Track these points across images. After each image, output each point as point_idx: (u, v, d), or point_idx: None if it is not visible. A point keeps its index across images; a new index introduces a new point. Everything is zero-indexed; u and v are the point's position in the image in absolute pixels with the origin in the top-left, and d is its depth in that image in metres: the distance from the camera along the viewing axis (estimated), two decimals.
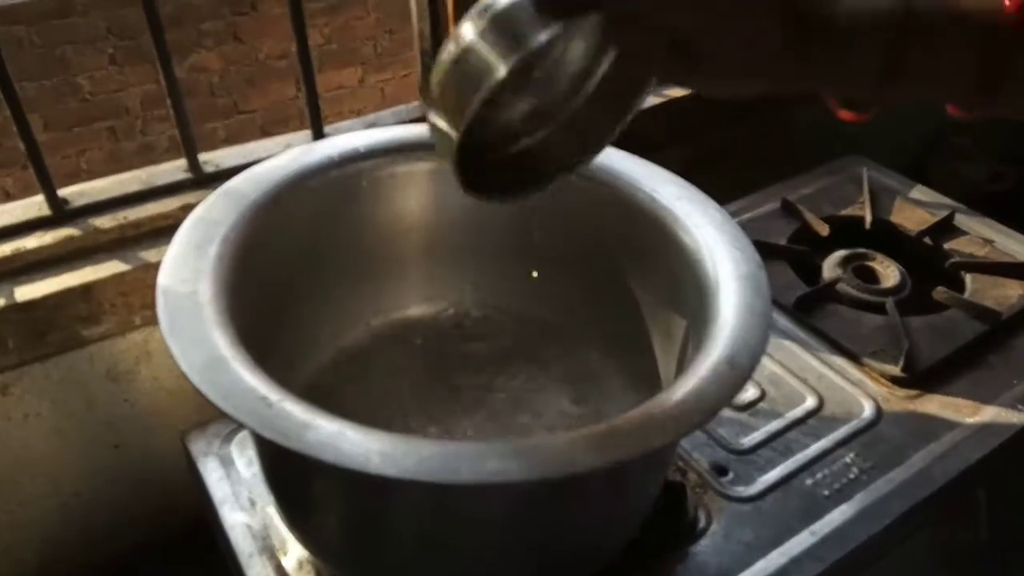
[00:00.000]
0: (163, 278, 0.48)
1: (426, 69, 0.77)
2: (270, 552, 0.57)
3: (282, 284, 0.58)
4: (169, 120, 0.66)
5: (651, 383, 0.60)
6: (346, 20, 2.44)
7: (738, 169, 0.92)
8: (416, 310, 0.66)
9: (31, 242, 0.63)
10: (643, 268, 0.60)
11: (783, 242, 0.81)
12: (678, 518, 0.59)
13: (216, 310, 0.47)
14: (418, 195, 0.63)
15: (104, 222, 0.66)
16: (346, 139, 0.62)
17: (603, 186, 0.60)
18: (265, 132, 2.47)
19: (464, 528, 0.49)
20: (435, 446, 0.40)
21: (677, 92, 0.88)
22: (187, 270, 0.49)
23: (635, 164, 0.61)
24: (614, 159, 0.61)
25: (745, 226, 0.83)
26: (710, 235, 0.55)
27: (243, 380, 0.42)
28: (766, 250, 0.77)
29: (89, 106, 2.18)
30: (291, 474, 0.51)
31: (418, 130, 0.64)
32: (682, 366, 0.53)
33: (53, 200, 0.65)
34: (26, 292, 0.61)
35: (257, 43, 2.30)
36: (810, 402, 0.67)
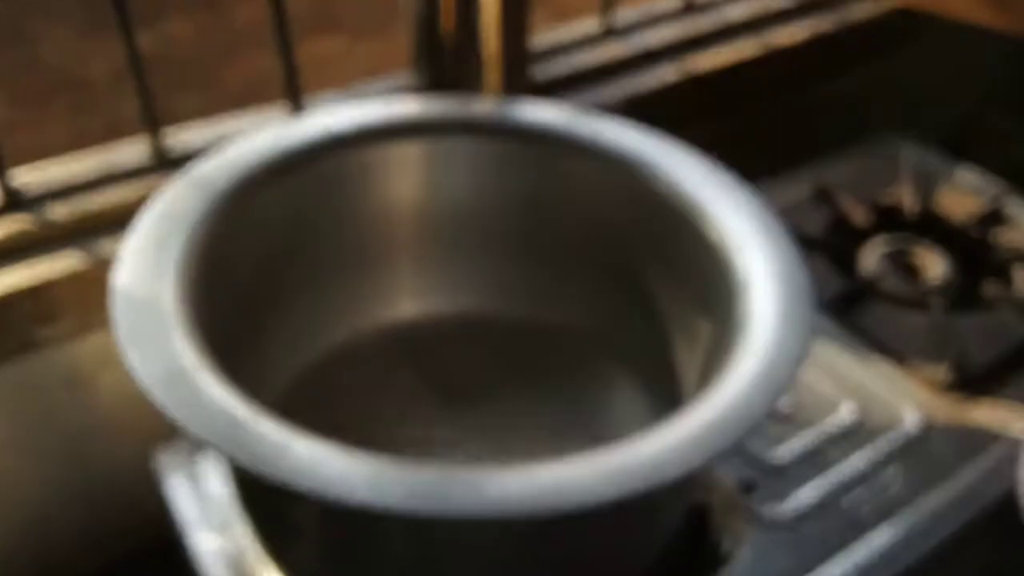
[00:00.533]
0: (119, 278, 0.42)
1: (420, 37, 0.70)
2: None
3: (257, 283, 0.51)
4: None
5: (670, 397, 0.54)
6: None
7: (764, 150, 0.85)
8: (407, 310, 0.60)
9: None
10: (662, 263, 0.54)
11: (818, 232, 0.74)
12: (700, 544, 0.52)
13: (181, 315, 0.41)
14: (411, 181, 0.57)
15: (59, 211, 0.59)
16: (329, 116, 0.55)
17: (616, 167, 0.53)
18: (240, 105, 2.37)
19: (455, 560, 0.43)
20: (425, 472, 0.34)
21: (697, 65, 0.81)
22: (147, 269, 0.43)
23: (652, 142, 0.54)
24: (628, 136, 0.54)
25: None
26: (740, 226, 0.48)
27: (211, 395, 0.37)
28: (799, 241, 0.70)
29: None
30: (265, 498, 0.45)
31: (412, 106, 0.57)
32: (706, 377, 0.46)
33: (5, 187, 0.58)
34: None
35: (232, 10, 2.21)
36: (848, 410, 0.60)
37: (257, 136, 0.52)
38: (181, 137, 0.64)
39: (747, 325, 0.42)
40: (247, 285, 0.50)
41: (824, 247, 0.72)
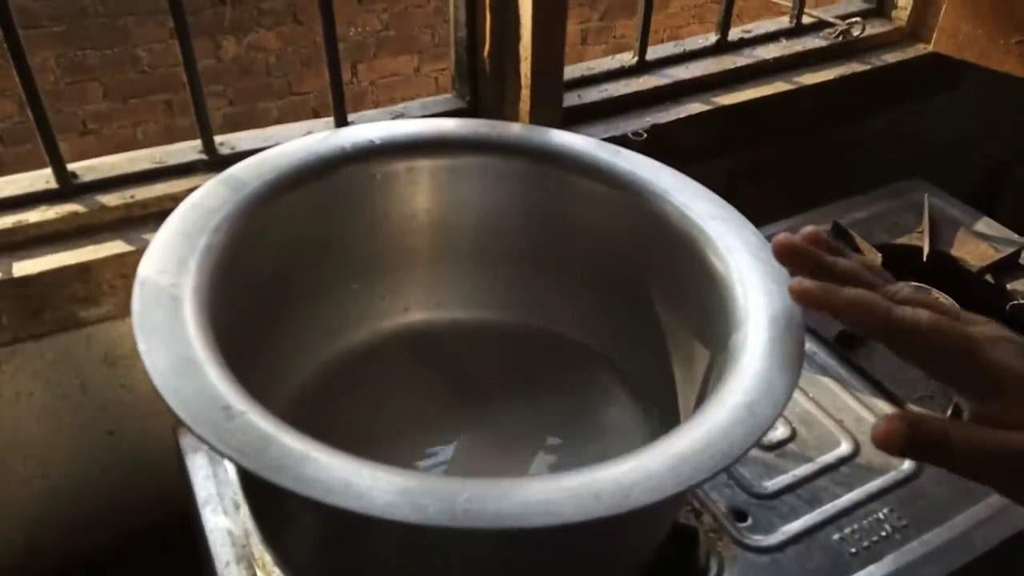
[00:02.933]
0: (144, 267, 0.45)
1: (459, 60, 0.73)
2: (248, 562, 0.54)
3: (276, 281, 0.54)
4: (224, 96, 0.64)
5: (668, 419, 0.55)
6: (405, 7, 2.42)
7: (788, 187, 0.86)
8: (419, 316, 0.62)
9: (34, 216, 0.61)
10: (668, 289, 0.56)
11: None
12: (687, 566, 0.54)
13: (197, 307, 0.44)
14: (433, 194, 0.60)
15: (111, 199, 0.63)
16: (362, 129, 0.58)
17: (631, 196, 0.56)
18: (317, 115, 2.47)
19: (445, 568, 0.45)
20: (404, 479, 0.36)
21: (724, 100, 0.83)
22: (172, 260, 0.46)
23: (667, 175, 0.56)
24: (645, 168, 0.57)
25: None
26: (744, 262, 0.50)
27: (211, 386, 0.39)
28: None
29: (147, 78, 2.20)
30: (256, 488, 0.47)
31: (442, 124, 0.60)
32: (702, 402, 0.48)
33: (61, 173, 0.62)
34: (23, 267, 0.59)
35: (315, 25, 2.29)
36: (845, 447, 0.61)
37: (292, 144, 0.55)
38: (233, 139, 0.68)
39: (739, 359, 0.43)
40: (266, 282, 0.53)
41: None
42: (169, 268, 0.45)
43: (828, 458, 0.61)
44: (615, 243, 0.57)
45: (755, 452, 0.61)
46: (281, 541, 0.49)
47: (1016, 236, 0.82)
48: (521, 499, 0.34)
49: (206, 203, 0.50)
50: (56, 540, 0.71)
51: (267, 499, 0.46)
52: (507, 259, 0.61)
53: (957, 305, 0.71)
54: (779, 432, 0.62)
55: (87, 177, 0.64)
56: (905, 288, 0.39)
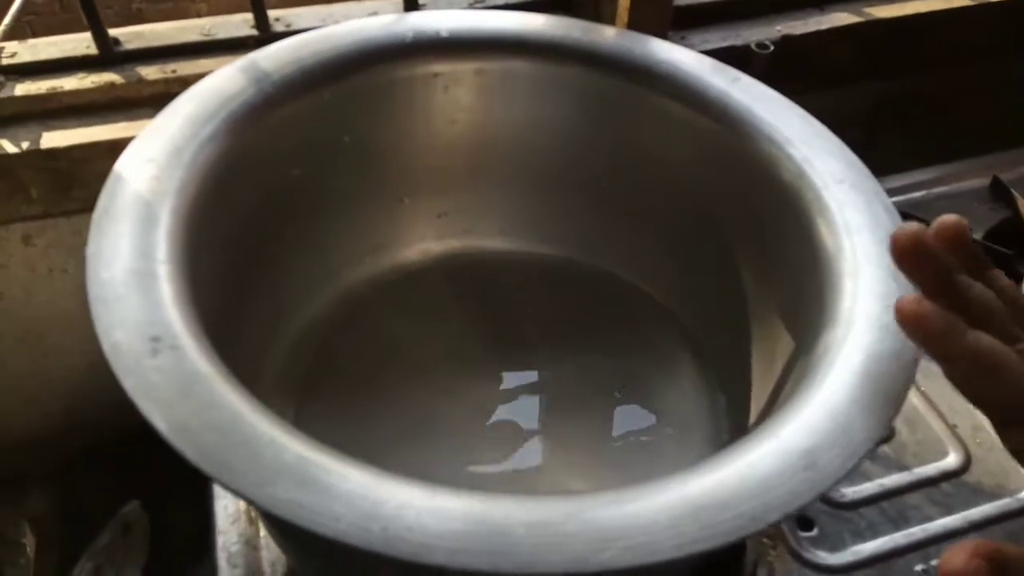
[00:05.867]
0: (127, 156, 0.39)
1: None
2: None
3: (288, 193, 0.47)
4: None
5: (737, 405, 0.46)
6: None
7: (942, 127, 0.72)
8: (423, 249, 0.54)
9: (69, 83, 0.56)
10: (755, 249, 0.46)
11: (979, 236, 0.62)
12: (735, 568, 0.46)
13: (180, 210, 0.38)
14: (502, 104, 0.51)
15: (151, 72, 0.57)
16: (431, 18, 0.49)
17: (739, 137, 0.45)
18: None
19: None
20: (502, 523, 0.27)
21: (879, 11, 0.68)
22: (163, 151, 0.40)
23: (794, 117, 0.44)
24: (766, 105, 0.45)
25: (934, 204, 0.65)
26: (864, 247, 0.38)
27: (152, 309, 0.32)
28: None
29: None
30: None
31: (524, 21, 0.50)
32: (775, 403, 0.38)
33: (102, 39, 0.57)
34: (53, 139, 0.55)
35: None
36: (952, 459, 0.51)
37: (343, 27, 0.48)
38: (290, 15, 0.61)
39: (820, 378, 0.33)
40: (268, 193, 0.46)
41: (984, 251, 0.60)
42: (157, 159, 0.39)
43: (929, 470, 0.50)
44: (700, 181, 0.47)
45: None
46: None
47: None
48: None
49: (224, 87, 0.44)
50: (95, 414, 0.70)
51: None
52: (581, 193, 0.52)
53: None
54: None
55: (130, 45, 0.58)
56: None
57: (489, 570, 0.24)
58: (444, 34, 0.49)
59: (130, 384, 0.30)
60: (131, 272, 0.34)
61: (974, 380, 0.28)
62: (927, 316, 0.27)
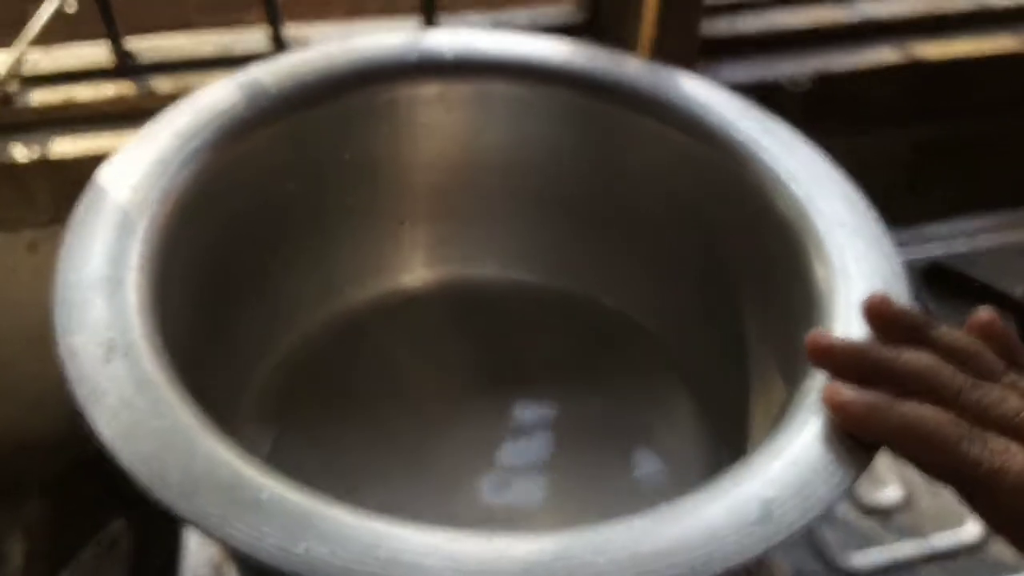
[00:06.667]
0: (110, 167, 0.39)
1: None
2: None
3: (271, 211, 0.46)
4: None
5: (734, 445, 0.43)
6: None
7: (989, 172, 0.68)
8: (419, 276, 0.52)
9: (85, 93, 0.57)
10: (754, 280, 0.43)
11: (1019, 292, 0.58)
12: None
13: (159, 224, 0.37)
14: (506, 129, 0.49)
15: (163, 84, 0.57)
16: (440, 38, 0.48)
17: (753, 177, 0.42)
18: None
19: None
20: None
21: (925, 51, 0.65)
22: (147, 163, 0.39)
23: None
24: (795, 152, 0.42)
25: (979, 258, 0.61)
26: (860, 290, 0.35)
27: (115, 313, 0.32)
28: (990, 298, 0.55)
29: None
30: None
31: (534, 46, 0.48)
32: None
33: (118, 50, 0.57)
34: (63, 147, 0.55)
35: None
36: (971, 530, 0.47)
37: (343, 46, 0.47)
38: (306, 32, 0.61)
39: (792, 423, 0.30)
40: (260, 208, 0.45)
41: (1018, 314, 0.56)
42: (141, 169, 0.39)
43: (946, 540, 0.47)
44: (696, 207, 0.45)
45: (849, 513, 0.48)
46: None
47: None
48: None
49: (215, 103, 0.43)
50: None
51: None
52: (587, 221, 0.50)
53: None
54: (890, 493, 0.48)
55: (147, 57, 0.58)
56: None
57: None
58: (450, 56, 0.48)
59: (81, 392, 0.29)
60: (98, 278, 0.34)
61: (912, 454, 0.27)
62: (849, 403, 0.27)
